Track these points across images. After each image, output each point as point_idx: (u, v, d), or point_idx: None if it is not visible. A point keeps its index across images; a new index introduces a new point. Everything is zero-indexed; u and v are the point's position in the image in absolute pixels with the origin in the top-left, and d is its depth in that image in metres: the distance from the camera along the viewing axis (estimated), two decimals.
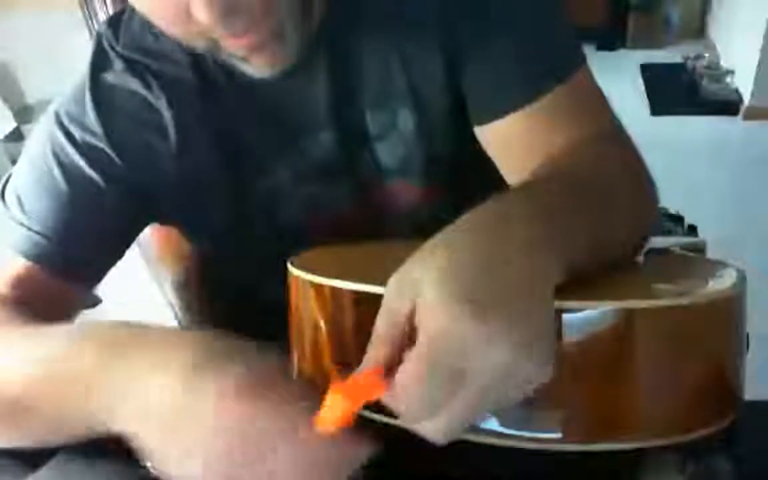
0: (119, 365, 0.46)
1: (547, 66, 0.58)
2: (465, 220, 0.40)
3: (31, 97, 3.00)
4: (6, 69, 2.95)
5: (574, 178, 0.49)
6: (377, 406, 0.40)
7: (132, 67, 0.62)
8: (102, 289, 0.67)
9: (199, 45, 0.53)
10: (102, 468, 0.51)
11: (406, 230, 0.68)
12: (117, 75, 0.62)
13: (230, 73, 0.60)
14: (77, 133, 0.62)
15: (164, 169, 0.63)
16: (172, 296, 0.97)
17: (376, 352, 0.38)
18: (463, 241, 0.38)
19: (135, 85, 0.62)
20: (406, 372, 0.35)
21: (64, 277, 0.63)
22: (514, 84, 0.57)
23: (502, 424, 0.40)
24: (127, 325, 0.50)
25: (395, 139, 0.63)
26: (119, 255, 0.68)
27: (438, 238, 0.39)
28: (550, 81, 0.57)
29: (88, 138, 0.62)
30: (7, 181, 0.66)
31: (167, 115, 0.62)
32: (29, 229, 0.61)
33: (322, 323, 0.46)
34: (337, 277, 0.45)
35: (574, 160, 0.53)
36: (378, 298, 0.39)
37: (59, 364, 0.50)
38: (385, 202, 0.67)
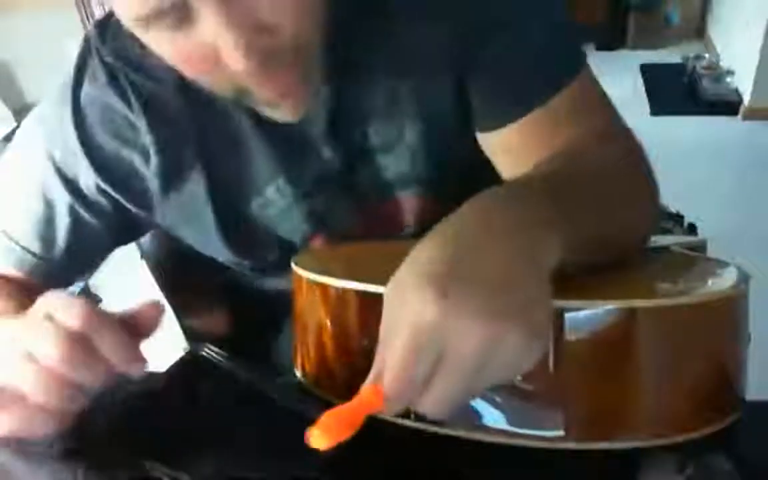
0: None
1: (551, 73, 0.58)
2: (459, 211, 0.41)
3: (31, 97, 3.01)
4: (6, 69, 2.96)
5: (569, 170, 0.50)
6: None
7: (115, 79, 0.59)
8: (102, 288, 0.67)
9: (225, 92, 0.51)
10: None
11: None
12: (99, 87, 0.59)
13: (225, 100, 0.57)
14: (56, 152, 0.60)
15: (149, 190, 0.62)
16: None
17: (375, 363, 0.38)
18: (441, 233, 0.39)
19: (116, 101, 0.59)
20: (388, 360, 0.37)
21: (50, 282, 0.64)
22: (519, 93, 0.57)
23: (505, 422, 0.40)
24: None
25: (401, 151, 0.62)
26: (107, 255, 0.69)
27: (428, 234, 0.40)
28: (553, 88, 0.57)
29: (67, 157, 0.60)
30: None
31: (148, 136, 0.59)
32: (14, 243, 0.63)
33: (326, 323, 0.46)
34: (341, 276, 0.45)
35: (571, 157, 0.53)
36: (382, 297, 0.39)
37: None
38: (390, 215, 0.66)
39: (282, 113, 0.53)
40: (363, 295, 0.43)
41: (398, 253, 0.39)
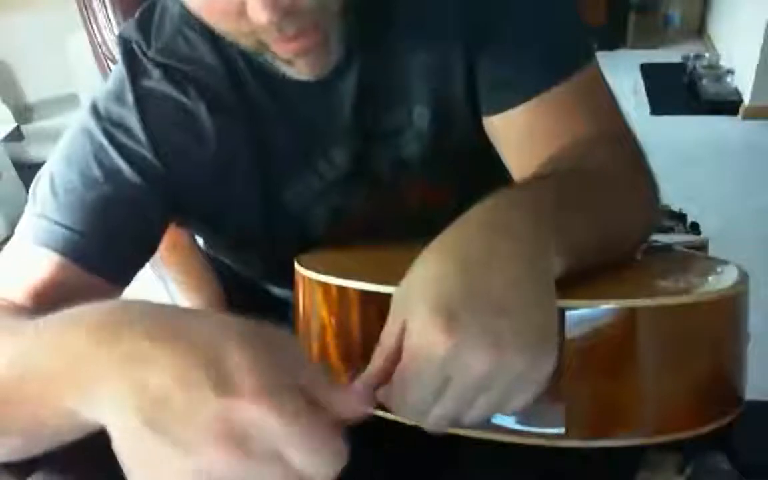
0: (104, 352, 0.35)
1: (558, 59, 0.58)
2: (462, 220, 0.41)
3: (31, 97, 3.00)
4: (6, 69, 2.96)
5: (574, 175, 0.50)
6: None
7: (169, 73, 0.61)
8: None
9: (245, 43, 0.53)
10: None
11: (425, 226, 0.69)
12: (156, 82, 0.61)
13: (264, 80, 0.60)
14: (120, 136, 0.60)
15: (200, 175, 0.62)
16: (175, 294, 0.97)
17: (372, 365, 0.39)
18: (452, 246, 0.40)
19: (173, 91, 0.61)
20: (394, 383, 0.38)
21: (102, 275, 0.59)
22: (525, 76, 0.58)
23: (506, 420, 0.40)
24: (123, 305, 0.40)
25: (410, 135, 0.63)
26: (150, 254, 0.66)
27: (432, 245, 0.40)
28: (559, 74, 0.57)
29: (131, 143, 0.60)
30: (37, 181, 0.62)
31: (207, 121, 0.61)
32: (65, 226, 0.58)
33: (328, 322, 0.46)
34: (344, 276, 0.45)
35: (576, 159, 0.53)
36: (384, 297, 0.40)
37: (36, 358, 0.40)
38: (402, 199, 0.67)
39: (297, 71, 0.55)
40: (367, 294, 0.44)
41: (402, 255, 0.40)
